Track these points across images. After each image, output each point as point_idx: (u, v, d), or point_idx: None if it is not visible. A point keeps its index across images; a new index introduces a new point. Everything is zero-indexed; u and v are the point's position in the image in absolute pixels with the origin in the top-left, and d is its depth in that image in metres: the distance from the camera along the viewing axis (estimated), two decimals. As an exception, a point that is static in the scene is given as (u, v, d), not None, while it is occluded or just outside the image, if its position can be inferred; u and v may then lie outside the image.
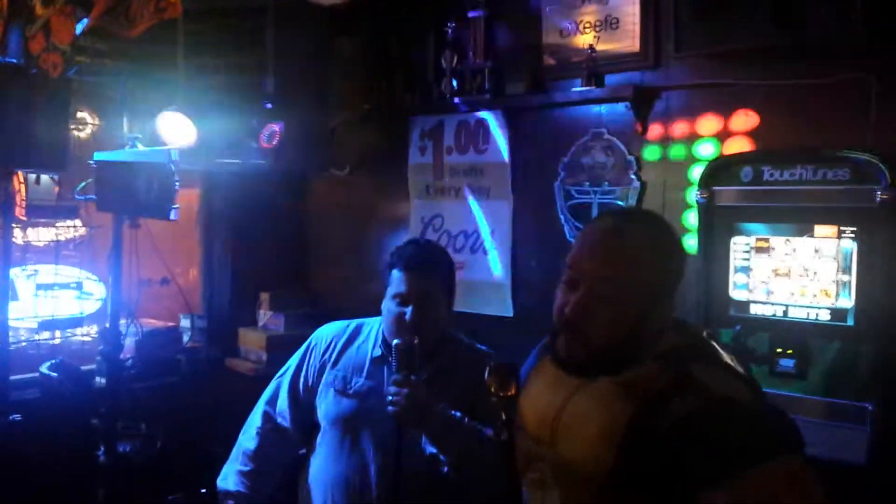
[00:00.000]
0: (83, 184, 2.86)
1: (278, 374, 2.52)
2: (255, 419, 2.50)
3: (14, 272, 3.81)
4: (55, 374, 3.41)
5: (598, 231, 1.65)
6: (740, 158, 2.89)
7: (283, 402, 2.45)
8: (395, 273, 2.24)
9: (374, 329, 2.35)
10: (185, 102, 3.07)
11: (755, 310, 2.84)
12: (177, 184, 2.41)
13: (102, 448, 2.79)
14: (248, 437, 2.48)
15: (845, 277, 2.66)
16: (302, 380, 2.42)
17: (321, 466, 2.32)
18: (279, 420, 2.45)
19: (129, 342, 3.29)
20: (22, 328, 3.96)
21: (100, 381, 2.86)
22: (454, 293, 2.36)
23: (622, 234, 1.59)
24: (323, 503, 2.29)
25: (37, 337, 3.92)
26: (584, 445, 1.56)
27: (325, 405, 2.33)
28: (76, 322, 4.10)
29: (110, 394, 2.80)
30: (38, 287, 3.97)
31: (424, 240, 2.48)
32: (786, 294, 2.78)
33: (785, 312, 2.78)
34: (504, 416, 1.72)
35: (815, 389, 2.69)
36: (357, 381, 2.30)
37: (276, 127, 3.18)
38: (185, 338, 4.08)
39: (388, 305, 2.25)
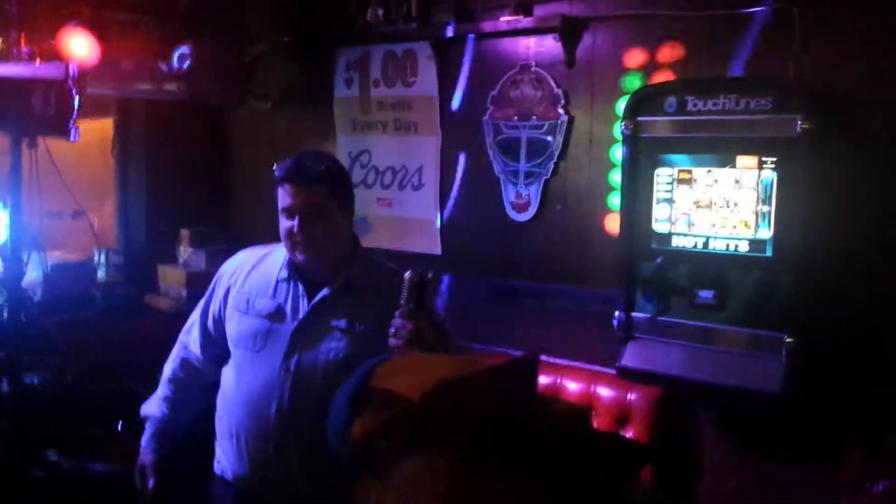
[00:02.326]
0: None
1: (196, 307, 2.50)
2: (174, 349, 2.53)
3: None
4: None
5: None
6: (664, 88, 2.86)
7: (195, 333, 2.46)
8: (279, 189, 2.17)
9: (282, 252, 2.30)
10: (88, 19, 2.89)
11: (676, 242, 2.83)
12: (76, 100, 2.27)
13: (5, 379, 2.69)
14: (167, 365, 2.51)
15: (765, 208, 2.66)
16: (211, 310, 2.43)
17: (226, 387, 2.33)
18: (192, 347, 2.47)
19: (36, 275, 3.16)
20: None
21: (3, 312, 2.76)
22: (352, 202, 2.29)
23: None
24: (228, 425, 2.27)
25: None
26: None
27: (230, 327, 2.33)
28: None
29: (12, 325, 2.69)
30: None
31: (310, 151, 2.39)
32: (706, 226, 2.78)
33: (705, 244, 2.78)
34: None
35: (734, 320, 2.71)
36: (260, 302, 2.28)
37: (187, 49, 3.03)
38: (101, 273, 3.94)
39: (280, 222, 2.19)
